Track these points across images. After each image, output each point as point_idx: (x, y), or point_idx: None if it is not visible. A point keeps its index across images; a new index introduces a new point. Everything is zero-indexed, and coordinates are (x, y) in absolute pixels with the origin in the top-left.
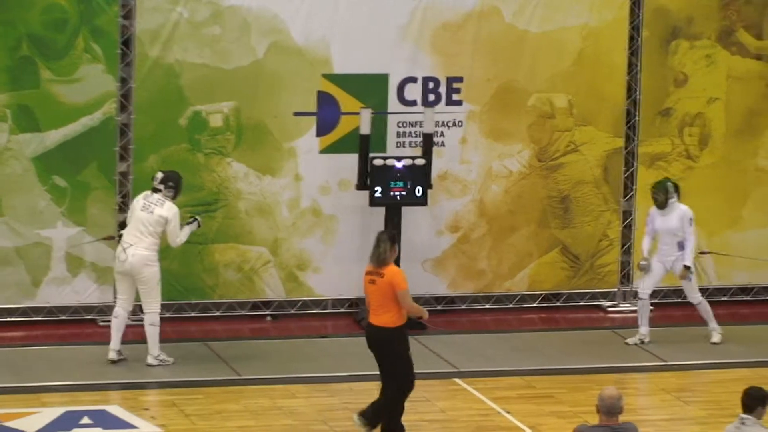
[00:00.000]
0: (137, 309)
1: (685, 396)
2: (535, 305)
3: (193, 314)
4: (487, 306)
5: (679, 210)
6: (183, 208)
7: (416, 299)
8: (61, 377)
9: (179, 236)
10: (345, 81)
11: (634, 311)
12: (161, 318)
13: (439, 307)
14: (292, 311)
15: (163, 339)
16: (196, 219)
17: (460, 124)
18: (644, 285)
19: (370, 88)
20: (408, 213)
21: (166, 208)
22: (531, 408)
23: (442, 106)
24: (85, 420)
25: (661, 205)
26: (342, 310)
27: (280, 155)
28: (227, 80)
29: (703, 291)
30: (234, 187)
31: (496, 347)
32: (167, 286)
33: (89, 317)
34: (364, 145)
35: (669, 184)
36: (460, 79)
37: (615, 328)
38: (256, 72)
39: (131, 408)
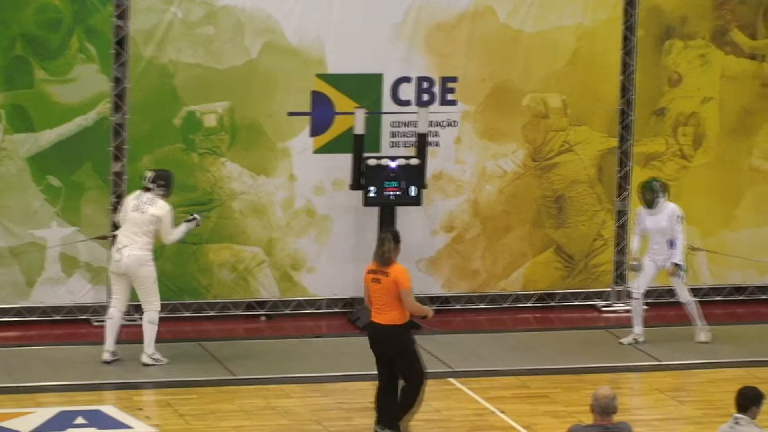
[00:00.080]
0: (131, 309)
1: (679, 396)
2: (529, 305)
3: (187, 314)
4: (482, 306)
5: (669, 209)
6: (177, 207)
7: None
8: (55, 377)
9: (173, 234)
10: (339, 81)
11: (629, 311)
12: None
13: (433, 307)
14: (287, 311)
15: (158, 339)
16: (195, 218)
17: (454, 123)
18: (637, 284)
19: (364, 87)
20: (402, 213)
21: (159, 207)
22: (525, 408)
23: (436, 106)
24: (80, 420)
25: (650, 204)
26: (336, 310)
27: (274, 155)
28: (221, 80)
29: (698, 291)
30: (228, 187)
31: (490, 347)
32: (161, 286)
33: (84, 317)
34: (358, 145)
35: (656, 183)
36: (454, 79)
37: (609, 327)
38: (250, 72)
39: (126, 408)
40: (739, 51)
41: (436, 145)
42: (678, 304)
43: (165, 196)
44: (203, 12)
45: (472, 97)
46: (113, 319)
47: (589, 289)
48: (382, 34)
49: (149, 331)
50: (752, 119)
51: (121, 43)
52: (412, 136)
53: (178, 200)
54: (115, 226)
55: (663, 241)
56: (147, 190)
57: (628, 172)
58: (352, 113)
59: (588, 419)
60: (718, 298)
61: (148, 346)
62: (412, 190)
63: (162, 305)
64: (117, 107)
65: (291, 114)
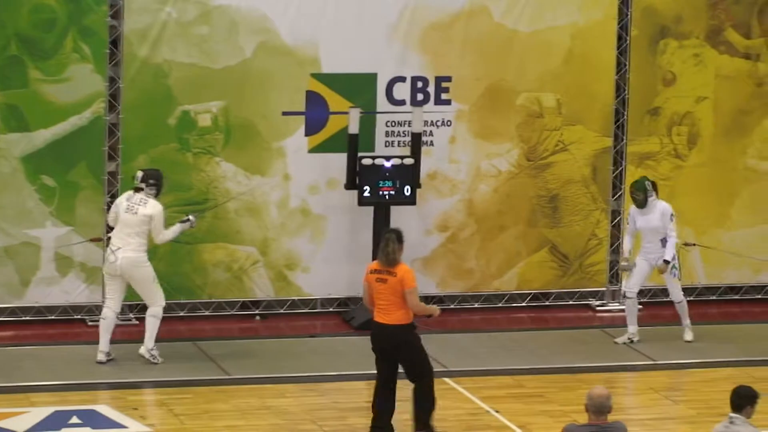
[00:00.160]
0: (125, 309)
1: (674, 395)
2: (524, 304)
3: (182, 314)
4: (476, 305)
5: (660, 207)
6: (171, 208)
7: None
8: (50, 377)
9: (165, 234)
10: (333, 80)
11: (623, 310)
12: None
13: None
14: (281, 311)
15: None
16: (189, 219)
17: (448, 123)
18: (630, 284)
19: (358, 87)
20: (396, 212)
21: (150, 207)
22: (520, 407)
23: (430, 105)
24: (74, 420)
25: (641, 204)
26: (331, 309)
27: (268, 155)
28: (216, 80)
29: (692, 290)
30: (223, 187)
31: (485, 346)
32: None
33: (78, 317)
34: (352, 145)
35: (647, 182)
36: (448, 79)
37: (604, 327)
38: (245, 71)
39: (120, 407)
40: (733, 50)
41: (431, 145)
42: (673, 304)
43: (156, 196)
44: (197, 12)
45: (466, 96)
46: (107, 320)
47: (583, 288)
48: (377, 33)
49: (151, 326)
50: (747, 119)
51: (115, 42)
52: (407, 135)
53: (172, 200)
54: (110, 227)
55: (656, 239)
56: (138, 190)
57: (623, 171)
58: (346, 113)
59: (583, 418)
60: (712, 298)
61: (149, 341)
62: (407, 190)
63: None
64: (111, 107)
65: (285, 113)
